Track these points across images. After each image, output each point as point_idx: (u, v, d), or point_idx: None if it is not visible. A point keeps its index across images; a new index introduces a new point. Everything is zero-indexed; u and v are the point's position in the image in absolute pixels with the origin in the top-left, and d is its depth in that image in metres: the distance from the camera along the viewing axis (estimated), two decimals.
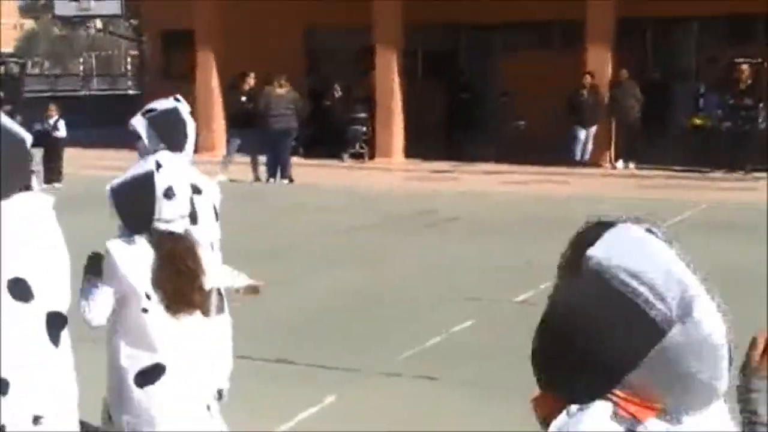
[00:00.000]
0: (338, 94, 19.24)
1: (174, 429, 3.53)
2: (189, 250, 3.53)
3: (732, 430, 1.61)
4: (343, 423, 5.34)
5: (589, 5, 17.31)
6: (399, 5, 18.63)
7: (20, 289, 2.96)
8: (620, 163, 17.44)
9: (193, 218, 3.62)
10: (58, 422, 3.09)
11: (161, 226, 3.48)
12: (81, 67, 46.36)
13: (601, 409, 1.51)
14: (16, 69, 19.57)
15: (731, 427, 1.60)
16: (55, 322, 3.04)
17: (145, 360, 3.51)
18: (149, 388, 3.51)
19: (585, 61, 17.54)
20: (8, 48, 65.30)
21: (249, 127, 15.48)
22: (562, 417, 1.53)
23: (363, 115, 18.66)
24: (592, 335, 1.50)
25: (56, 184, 14.87)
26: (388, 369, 6.25)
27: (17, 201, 3.05)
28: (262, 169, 15.90)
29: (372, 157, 18.66)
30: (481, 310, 7.61)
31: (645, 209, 12.71)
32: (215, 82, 19.88)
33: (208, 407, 3.65)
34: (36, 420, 2.99)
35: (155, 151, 3.80)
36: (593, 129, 17.69)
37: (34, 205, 3.11)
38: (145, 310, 3.48)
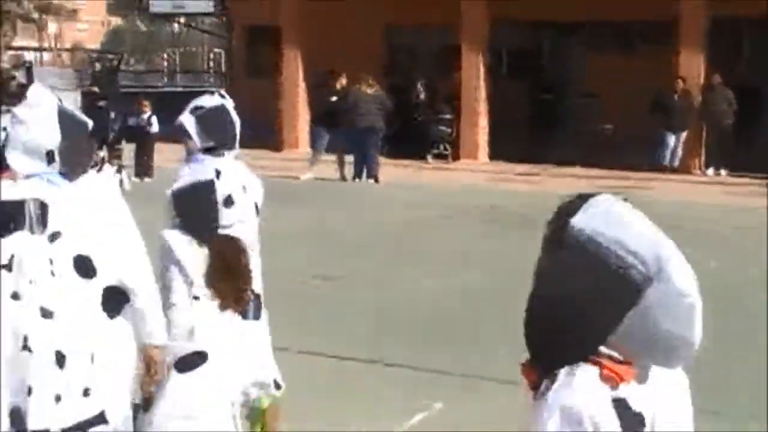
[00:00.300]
0: (422, 93, 19.17)
1: (203, 417, 3.63)
2: (243, 252, 3.70)
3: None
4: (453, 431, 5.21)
5: (682, 5, 16.94)
6: (485, 3, 18.50)
7: (85, 266, 3.16)
8: (711, 170, 17.05)
9: (243, 220, 3.78)
10: (108, 395, 3.25)
11: (220, 230, 3.66)
12: (165, 63, 47.19)
13: (589, 374, 1.59)
14: (111, 65, 19.98)
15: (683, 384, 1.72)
16: (113, 297, 3.22)
17: (190, 346, 3.61)
18: (188, 374, 3.60)
19: (675, 64, 17.18)
20: (95, 44, 66.88)
21: (336, 126, 15.54)
22: (555, 387, 1.61)
23: (448, 115, 18.57)
24: (577, 299, 1.59)
25: (147, 179, 15.13)
26: (502, 376, 5.77)
27: (83, 182, 3.29)
28: (349, 168, 15.94)
29: (456, 157, 18.57)
30: None
31: (734, 217, 12.50)
32: (301, 78, 20.01)
33: (232, 404, 3.73)
34: (86, 392, 3.17)
35: (205, 149, 3.93)
36: (683, 134, 17.31)
37: (99, 186, 3.34)
38: (197, 298, 3.62)
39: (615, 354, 1.60)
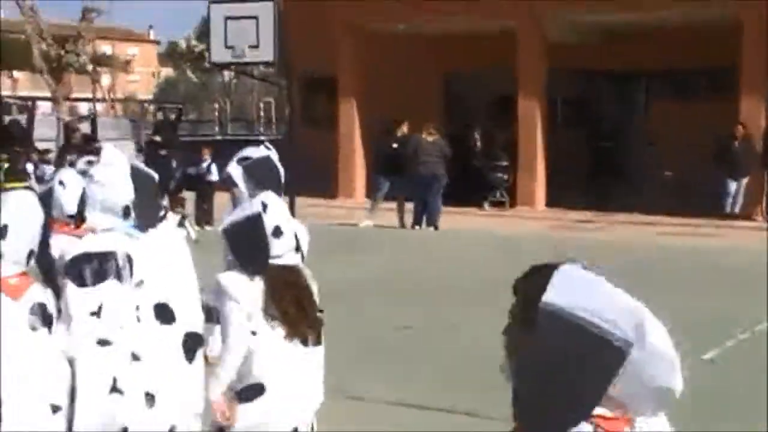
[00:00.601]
0: (479, 141, 19.19)
1: None
2: (305, 280, 3.86)
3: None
4: None
5: (743, 52, 16.82)
6: (543, 53, 18.54)
7: (165, 313, 3.40)
8: None
9: (298, 250, 3.90)
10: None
11: (274, 261, 3.77)
12: (216, 113, 47.85)
13: None
14: (173, 115, 20.34)
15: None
16: (192, 342, 3.48)
17: (249, 378, 3.74)
18: (248, 405, 3.74)
19: (736, 109, 17.03)
20: (147, 95, 68.14)
21: (396, 173, 15.57)
22: None
23: (505, 162, 18.54)
24: (565, 371, 1.67)
25: (207, 227, 15.23)
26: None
27: (155, 233, 3.56)
28: (408, 215, 15.93)
29: (513, 204, 18.49)
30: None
31: None
32: (357, 127, 20.15)
33: (296, 430, 3.83)
34: (171, 430, 3.41)
35: (251, 197, 4.01)
36: (745, 180, 17.08)
37: (169, 237, 3.62)
38: (254, 333, 3.72)
39: (606, 412, 1.71)
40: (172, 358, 3.45)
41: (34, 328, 3.10)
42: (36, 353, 3.09)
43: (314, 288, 3.94)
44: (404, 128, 16.07)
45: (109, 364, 3.27)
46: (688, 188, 17.69)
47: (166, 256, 3.53)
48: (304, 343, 3.81)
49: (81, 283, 3.28)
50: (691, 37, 18.66)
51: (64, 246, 3.62)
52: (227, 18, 13.97)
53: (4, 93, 53.82)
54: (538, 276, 1.75)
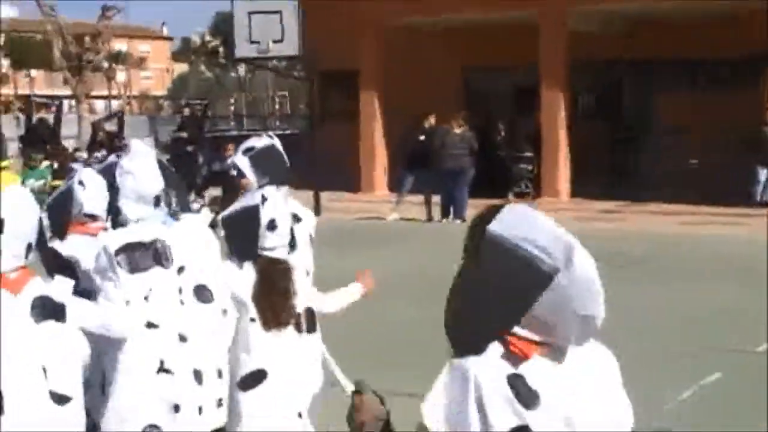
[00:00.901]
0: (503, 133, 19.14)
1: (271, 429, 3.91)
2: (285, 273, 3.95)
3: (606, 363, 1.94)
4: None
5: None
6: (566, 43, 18.45)
7: (204, 294, 3.64)
8: None
9: (292, 246, 4.02)
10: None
11: (264, 253, 3.90)
12: (232, 108, 47.87)
13: (493, 349, 1.82)
14: (199, 111, 20.41)
15: (606, 358, 1.94)
16: (227, 319, 3.73)
17: (249, 365, 3.88)
18: (251, 392, 3.88)
19: (763, 97, 16.91)
20: (162, 91, 68.27)
21: (423, 166, 15.53)
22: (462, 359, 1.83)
23: (529, 153, 18.49)
24: (489, 288, 1.82)
25: None
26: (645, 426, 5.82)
27: (186, 222, 3.79)
28: (436, 209, 15.89)
29: (537, 196, 18.44)
30: (723, 361, 7.09)
31: None
32: (378, 121, 20.10)
33: (300, 415, 3.97)
34: (219, 403, 3.68)
35: (260, 186, 4.18)
36: None
37: (199, 224, 3.89)
38: (253, 320, 3.89)
39: (529, 334, 1.82)
40: (215, 335, 3.67)
41: (37, 321, 3.11)
42: (39, 346, 3.09)
43: (299, 282, 4.03)
44: (431, 120, 16.01)
45: (156, 346, 3.48)
46: (713, 177, 17.57)
47: (199, 243, 3.73)
48: (298, 330, 3.95)
49: (129, 270, 3.48)
50: (715, 25, 18.53)
51: (80, 244, 3.88)
52: (251, 13, 13.98)
53: (22, 92, 54.03)
54: (490, 212, 1.90)
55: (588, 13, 18.68)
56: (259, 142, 4.41)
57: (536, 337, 1.82)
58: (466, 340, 1.83)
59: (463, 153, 15.51)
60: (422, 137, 15.82)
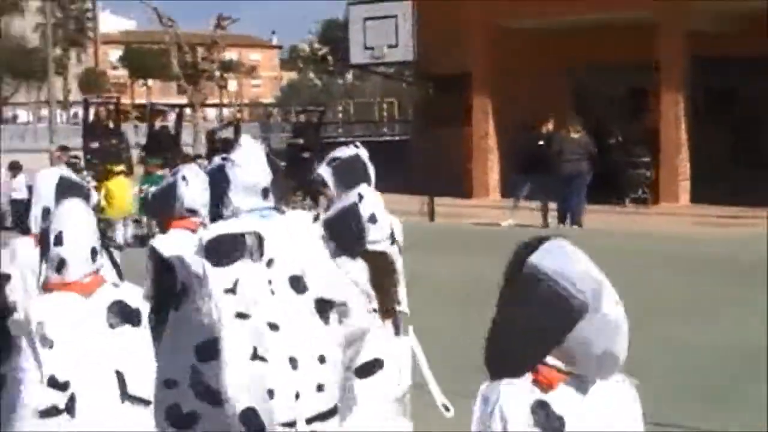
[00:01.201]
0: (619, 138, 18.67)
1: (379, 419, 4.02)
2: (391, 264, 4.07)
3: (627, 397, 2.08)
4: None
5: None
6: (685, 42, 17.92)
7: (298, 284, 3.66)
8: None
9: (392, 239, 4.14)
10: (337, 389, 3.77)
11: (369, 247, 4.00)
12: (340, 115, 48.32)
13: (523, 378, 1.96)
14: (315, 118, 20.62)
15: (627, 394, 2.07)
16: (322, 306, 3.69)
17: (367, 354, 3.97)
18: (368, 379, 3.99)
19: None
20: (271, 99, 69.48)
21: (539, 171, 15.29)
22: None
23: (645, 158, 18.00)
24: (526, 321, 1.95)
25: None
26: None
27: (288, 216, 3.84)
28: (552, 215, 15.62)
29: (656, 201, 17.94)
30: None
31: None
32: (491, 125, 19.91)
33: (406, 404, 4.12)
34: (319, 388, 3.65)
35: (341, 197, 4.21)
36: None
37: (300, 220, 3.88)
38: (375, 310, 3.97)
39: (558, 364, 1.96)
40: (310, 323, 3.70)
41: (112, 326, 3.30)
42: (114, 350, 3.26)
43: (401, 276, 4.15)
44: (549, 126, 15.77)
45: (247, 335, 3.54)
46: None
47: (298, 237, 3.75)
48: (396, 330, 4.09)
49: (216, 263, 3.55)
50: None
51: (180, 239, 3.96)
52: (366, 19, 13.98)
53: (139, 101, 55.71)
54: (534, 243, 2.05)
55: (706, 10, 18.12)
56: (345, 152, 4.38)
57: (563, 367, 1.96)
58: (502, 367, 1.98)
59: (581, 158, 15.22)
60: (541, 142, 15.57)
